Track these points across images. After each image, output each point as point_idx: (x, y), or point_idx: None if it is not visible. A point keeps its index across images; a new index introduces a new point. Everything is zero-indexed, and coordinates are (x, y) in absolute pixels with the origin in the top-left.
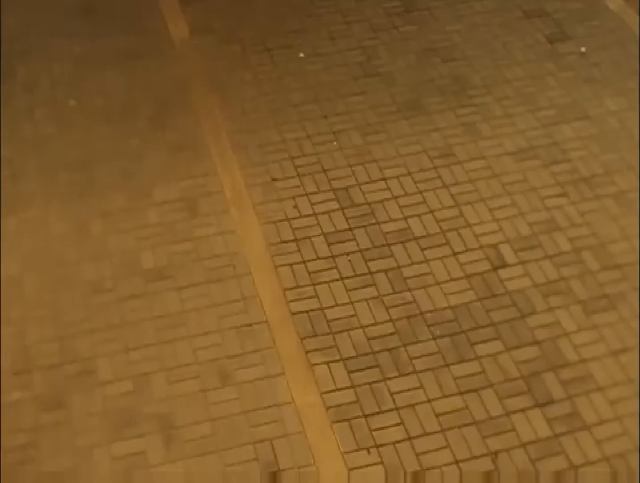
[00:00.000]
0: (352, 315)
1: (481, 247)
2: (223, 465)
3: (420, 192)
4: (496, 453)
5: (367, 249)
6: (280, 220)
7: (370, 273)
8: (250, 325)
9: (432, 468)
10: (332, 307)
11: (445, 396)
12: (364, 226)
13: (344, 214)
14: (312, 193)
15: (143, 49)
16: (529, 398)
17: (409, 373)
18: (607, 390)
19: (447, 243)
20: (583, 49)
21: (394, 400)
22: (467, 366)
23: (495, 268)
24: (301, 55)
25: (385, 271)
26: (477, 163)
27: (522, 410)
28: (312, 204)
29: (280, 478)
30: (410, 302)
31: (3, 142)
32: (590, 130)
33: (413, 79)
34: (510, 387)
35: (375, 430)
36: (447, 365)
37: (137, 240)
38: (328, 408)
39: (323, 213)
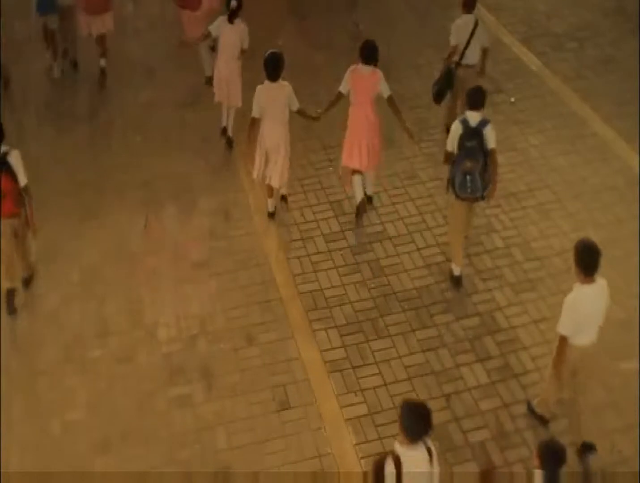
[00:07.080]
0: (344, 294)
1: (438, 244)
2: (248, 404)
3: (393, 204)
4: (449, 395)
5: (354, 246)
6: (291, 224)
7: (357, 263)
8: (269, 301)
9: None
10: (328, 288)
11: (412, 353)
12: (352, 229)
13: (337, 220)
14: (314, 204)
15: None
16: (473, 355)
17: (385, 337)
18: (530, 349)
19: (413, 241)
20: (512, 99)
21: (374, 356)
22: (427, 331)
23: (448, 260)
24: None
25: (368, 262)
26: (436, 183)
27: (468, 364)
28: (314, 213)
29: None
30: (386, 285)
31: (88, 170)
32: (517, 158)
33: (386, 120)
34: (459, 347)
35: (360, 378)
36: (413, 331)
37: (186, 238)
38: (326, 362)
39: (322, 219)
